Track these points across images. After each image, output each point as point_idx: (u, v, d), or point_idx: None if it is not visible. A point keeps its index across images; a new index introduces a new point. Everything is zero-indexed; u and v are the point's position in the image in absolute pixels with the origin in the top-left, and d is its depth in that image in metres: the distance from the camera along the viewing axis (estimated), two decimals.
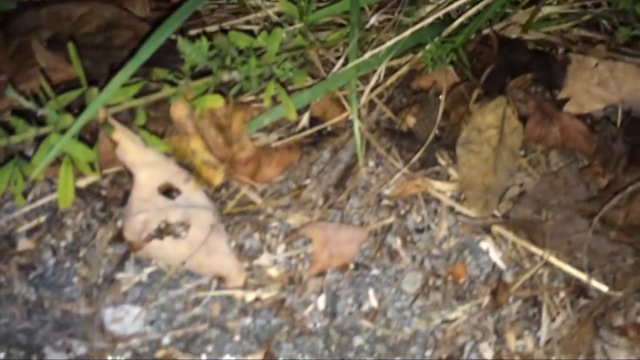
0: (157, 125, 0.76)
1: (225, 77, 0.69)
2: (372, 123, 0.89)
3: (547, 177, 0.82)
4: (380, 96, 0.92)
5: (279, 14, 0.99)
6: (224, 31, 0.95)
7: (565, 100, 0.91)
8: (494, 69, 0.94)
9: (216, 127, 0.77)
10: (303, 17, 0.89)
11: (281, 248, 0.75)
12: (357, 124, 0.81)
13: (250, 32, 0.97)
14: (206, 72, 0.75)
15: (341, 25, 1.03)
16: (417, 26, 0.83)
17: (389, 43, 0.82)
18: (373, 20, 0.84)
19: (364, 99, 0.85)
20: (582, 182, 0.81)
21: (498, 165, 0.82)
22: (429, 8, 1.02)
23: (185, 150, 0.75)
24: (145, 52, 0.63)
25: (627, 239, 0.75)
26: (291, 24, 0.95)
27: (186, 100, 0.72)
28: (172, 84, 0.71)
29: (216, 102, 0.69)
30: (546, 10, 1.01)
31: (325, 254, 0.72)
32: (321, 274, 0.73)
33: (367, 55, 0.82)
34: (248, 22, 1.00)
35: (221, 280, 0.70)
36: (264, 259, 0.73)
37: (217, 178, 0.75)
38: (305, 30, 0.91)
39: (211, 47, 0.69)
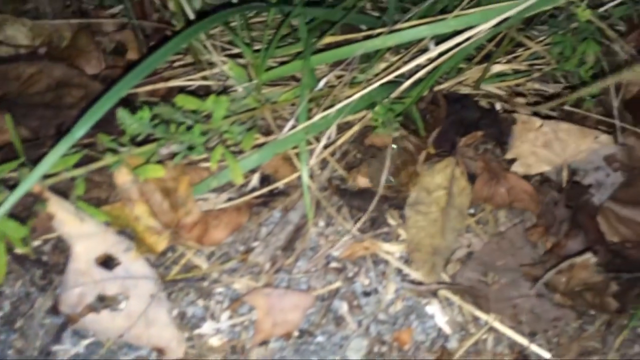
0: (100, 191, 0.75)
1: (165, 150, 0.68)
2: (324, 181, 0.90)
3: (494, 238, 0.83)
4: (332, 153, 0.93)
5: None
6: (181, 90, 0.96)
7: (513, 160, 0.92)
8: (445, 126, 0.96)
9: (162, 192, 0.77)
10: (257, 76, 0.90)
11: (225, 315, 0.74)
12: (306, 186, 0.81)
13: (207, 88, 0.98)
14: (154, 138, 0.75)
15: (299, 80, 1.05)
16: (367, 90, 0.84)
17: (338, 106, 0.83)
18: (322, 83, 0.85)
19: (313, 160, 0.86)
20: (528, 244, 0.82)
21: (446, 226, 0.83)
22: (383, 65, 1.04)
23: (128, 216, 0.74)
24: (85, 124, 0.62)
25: (570, 303, 0.76)
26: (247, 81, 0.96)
27: (129, 167, 0.71)
28: (115, 151, 0.71)
29: (157, 172, 0.69)
30: (497, 68, 1.04)
31: (269, 322, 0.71)
32: (264, 342, 0.72)
33: (316, 117, 0.83)
34: (205, 78, 1.01)
35: (160, 352, 0.69)
36: (207, 327, 0.72)
37: (161, 244, 0.74)
38: (258, 89, 0.92)
39: (154, 116, 0.69)
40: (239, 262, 0.79)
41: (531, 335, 0.75)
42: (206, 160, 0.86)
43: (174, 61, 1.04)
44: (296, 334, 0.74)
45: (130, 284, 0.69)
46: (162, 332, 0.69)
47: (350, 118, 0.94)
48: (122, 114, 0.67)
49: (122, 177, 0.72)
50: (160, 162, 0.78)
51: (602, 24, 0.88)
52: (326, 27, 1.04)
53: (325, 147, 0.90)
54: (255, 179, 0.86)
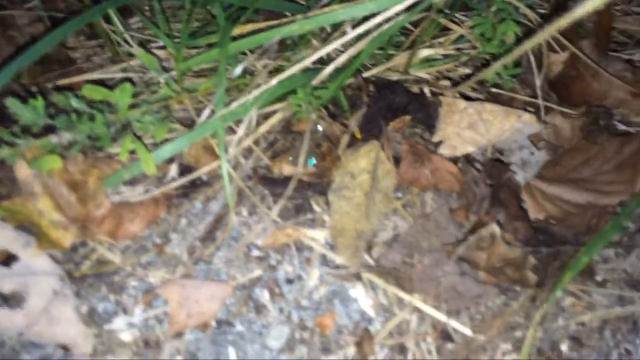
0: (1, 186, 0.72)
1: (66, 141, 0.65)
2: (248, 171, 0.87)
3: (419, 220, 0.82)
4: (257, 142, 0.91)
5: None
6: (95, 82, 0.93)
7: (440, 143, 0.92)
8: (372, 112, 0.95)
9: (68, 185, 0.74)
10: (176, 65, 0.87)
11: (139, 310, 0.71)
12: (226, 174, 0.79)
13: (128, 80, 0.95)
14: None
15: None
16: (284, 75, 0.82)
17: (255, 92, 0.81)
18: (238, 70, 0.83)
19: (233, 148, 0.84)
20: (453, 224, 0.81)
21: (371, 210, 0.82)
22: (309, 52, 1.03)
23: (31, 211, 0.71)
24: None
25: (492, 280, 0.75)
26: (168, 71, 0.94)
27: (28, 160, 0.68)
28: (12, 144, 0.68)
29: (54, 162, 0.66)
30: (424, 52, 1.03)
31: (183, 314, 0.69)
32: (179, 334, 0.69)
33: (234, 104, 0.81)
34: (124, 70, 0.98)
35: (65, 349, 0.65)
36: (118, 322, 0.69)
37: (68, 239, 0.71)
38: (179, 79, 0.90)
39: (51, 104, 0.66)
40: (155, 254, 0.76)
41: (454, 313, 0.73)
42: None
43: (91, 55, 1.01)
44: (214, 324, 0.71)
45: (31, 281, 0.65)
46: (67, 329, 0.65)
47: (276, 107, 0.92)
48: (13, 103, 0.64)
49: (23, 170, 0.69)
50: (63, 155, 0.75)
51: (520, 4, 0.88)
52: (249, 15, 1.03)
53: (247, 134, 0.88)
54: (173, 170, 0.83)
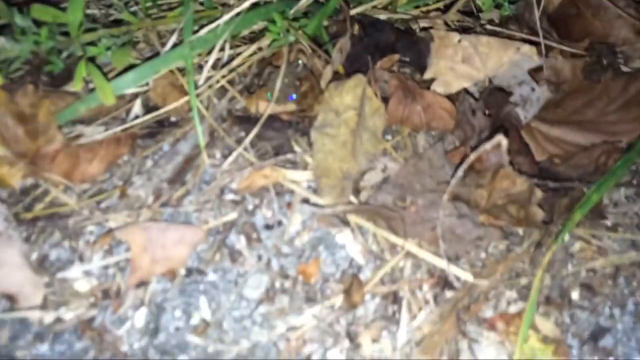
0: None
1: (5, 51, 0.56)
2: (221, 110, 0.79)
3: (411, 160, 0.74)
4: (231, 81, 0.82)
5: None
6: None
7: (432, 81, 0.84)
8: (358, 50, 0.86)
9: (15, 117, 0.64)
10: None
11: (97, 257, 0.62)
12: (196, 108, 0.70)
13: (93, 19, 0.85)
14: None
15: None
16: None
17: (226, 17, 0.72)
18: None
19: (203, 80, 0.75)
20: (449, 164, 0.74)
21: (358, 149, 0.74)
22: None
23: None
24: None
25: (494, 221, 0.68)
26: (135, 4, 0.84)
27: None
28: None
29: None
30: None
31: (147, 259, 0.60)
32: (143, 283, 0.61)
33: (203, 31, 0.72)
34: (87, 6, 0.88)
35: (11, 299, 0.57)
36: (73, 270, 0.61)
37: (15, 176, 0.62)
38: (144, 9, 0.80)
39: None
40: (117, 198, 0.68)
41: (453, 259, 0.66)
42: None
43: None
44: (183, 272, 0.63)
45: None
46: (13, 276, 0.57)
47: (252, 49, 0.83)
48: None
49: None
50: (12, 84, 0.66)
51: None
52: None
53: (220, 68, 0.79)
54: (137, 106, 0.74)
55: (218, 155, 0.74)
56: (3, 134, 0.63)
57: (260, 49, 0.84)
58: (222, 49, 0.76)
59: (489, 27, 0.92)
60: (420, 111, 0.78)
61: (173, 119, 0.78)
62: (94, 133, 0.72)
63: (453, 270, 0.64)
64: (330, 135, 0.74)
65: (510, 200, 0.66)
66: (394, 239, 0.67)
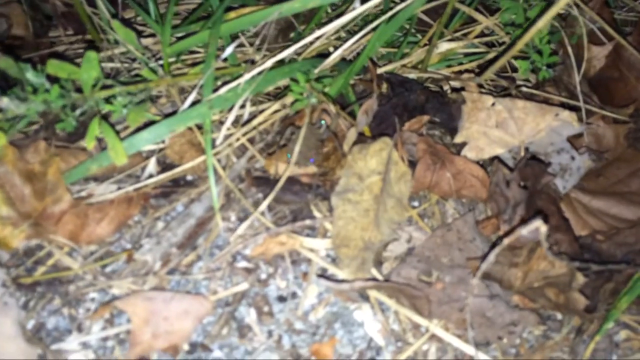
0: None
1: (13, 110, 0.53)
2: (239, 170, 0.75)
3: (439, 231, 0.69)
4: (252, 141, 0.79)
5: (144, 47, 0.86)
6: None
7: (463, 145, 0.79)
8: (385, 110, 0.83)
9: (23, 176, 0.62)
10: (163, 49, 0.76)
11: (97, 327, 0.58)
12: (212, 168, 0.67)
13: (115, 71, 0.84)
14: None
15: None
16: (281, 55, 0.71)
17: (247, 75, 0.70)
18: (230, 49, 0.71)
19: (221, 138, 0.72)
20: (480, 237, 0.68)
21: (381, 217, 0.69)
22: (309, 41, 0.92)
23: None
24: None
25: (529, 304, 0.61)
26: (157, 59, 0.83)
27: None
28: None
29: None
30: (444, 46, 0.92)
31: (148, 334, 0.56)
32: (142, 359, 0.56)
33: (223, 89, 0.70)
34: (110, 59, 0.87)
35: None
36: (71, 341, 0.57)
37: (16, 238, 0.59)
38: (166, 65, 0.78)
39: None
40: (124, 262, 0.64)
41: (482, 345, 0.60)
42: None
43: (72, 43, 0.90)
44: (186, 347, 0.58)
45: None
46: (4, 347, 0.53)
47: (275, 108, 0.80)
48: None
49: None
50: (25, 139, 0.64)
51: None
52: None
53: (240, 125, 0.76)
54: (151, 165, 0.71)
55: (233, 218, 0.71)
56: (9, 193, 0.60)
57: (284, 106, 0.81)
58: (242, 107, 0.74)
59: (524, 89, 0.87)
60: (449, 178, 0.73)
61: (189, 177, 0.75)
62: (106, 192, 0.69)
63: (483, 358, 0.58)
64: (353, 202, 0.69)
65: (548, 283, 0.59)
66: (417, 319, 0.62)
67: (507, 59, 0.75)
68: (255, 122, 0.77)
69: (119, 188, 0.70)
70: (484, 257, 0.64)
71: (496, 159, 0.72)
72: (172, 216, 0.70)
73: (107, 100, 0.65)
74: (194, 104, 0.71)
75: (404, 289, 0.61)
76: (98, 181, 0.70)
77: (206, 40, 0.76)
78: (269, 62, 0.69)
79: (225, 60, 0.82)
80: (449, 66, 0.94)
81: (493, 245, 0.64)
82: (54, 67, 0.63)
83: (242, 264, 0.66)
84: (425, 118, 0.83)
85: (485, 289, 0.63)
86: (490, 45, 0.95)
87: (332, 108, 0.75)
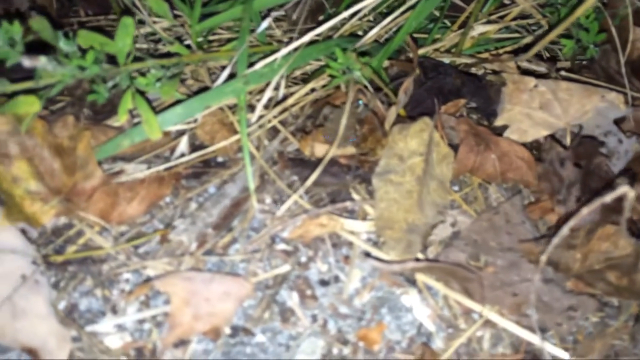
0: None
1: (26, 62, 0.49)
2: (272, 152, 0.72)
3: (485, 214, 0.66)
4: (284, 122, 0.76)
5: (168, 30, 0.83)
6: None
7: (504, 128, 0.76)
8: (420, 93, 0.79)
9: (53, 150, 0.59)
10: (191, 25, 0.73)
11: (132, 309, 0.55)
12: (247, 149, 0.64)
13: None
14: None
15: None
16: (322, 28, 0.68)
17: (284, 50, 0.67)
18: (265, 24, 0.68)
19: (255, 118, 0.68)
20: (528, 220, 0.65)
21: (424, 199, 0.66)
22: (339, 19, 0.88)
23: (3, 176, 0.55)
24: None
25: (588, 289, 0.58)
26: (182, 41, 0.80)
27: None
28: None
29: (31, 105, 0.51)
30: (478, 29, 0.89)
31: (188, 315, 0.52)
32: (182, 342, 0.53)
33: (258, 65, 0.66)
34: (134, 40, 0.84)
35: (32, 353, 0.49)
36: (105, 323, 0.53)
37: (46, 214, 0.56)
38: (195, 42, 0.75)
39: (28, 32, 0.52)
40: (157, 243, 0.60)
41: (540, 331, 0.56)
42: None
43: (94, 23, 0.87)
44: (227, 331, 0.54)
45: None
46: (37, 327, 0.49)
47: (308, 88, 0.77)
48: None
49: None
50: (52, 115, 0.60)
51: None
52: None
53: (269, 106, 0.73)
54: (183, 144, 0.68)
55: (268, 200, 0.67)
56: (38, 167, 0.57)
57: (313, 89, 0.78)
58: (275, 88, 0.70)
59: (563, 73, 0.85)
60: (494, 160, 0.70)
61: (220, 159, 0.71)
62: (136, 171, 0.65)
63: (545, 347, 0.54)
64: (395, 183, 0.66)
65: (609, 266, 0.56)
66: (469, 303, 0.58)
67: (552, 37, 0.72)
68: (287, 102, 0.73)
69: (149, 167, 0.66)
70: (537, 240, 0.61)
71: (550, 137, 0.69)
72: (205, 197, 0.66)
73: (139, 74, 0.62)
74: (226, 81, 0.68)
75: (456, 271, 0.58)
76: (126, 160, 0.67)
77: (237, 16, 0.73)
78: (306, 37, 0.66)
79: (255, 40, 0.79)
80: (482, 51, 0.91)
81: (550, 228, 0.60)
82: (84, 38, 0.60)
83: (281, 246, 0.62)
84: (462, 101, 0.80)
85: (539, 272, 0.59)
86: (525, 29, 0.92)
87: (370, 86, 0.72)
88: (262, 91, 0.73)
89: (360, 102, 0.73)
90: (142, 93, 0.62)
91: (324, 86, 0.77)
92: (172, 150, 0.69)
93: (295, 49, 0.68)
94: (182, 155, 0.68)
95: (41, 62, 0.48)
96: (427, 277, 0.60)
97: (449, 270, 0.58)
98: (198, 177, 0.69)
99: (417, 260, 0.59)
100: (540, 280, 0.59)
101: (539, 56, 0.89)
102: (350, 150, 0.71)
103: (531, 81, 0.76)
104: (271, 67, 0.67)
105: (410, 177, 0.67)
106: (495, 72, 0.82)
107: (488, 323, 0.57)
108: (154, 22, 0.83)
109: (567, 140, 0.73)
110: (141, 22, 0.85)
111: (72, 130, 0.61)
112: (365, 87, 0.71)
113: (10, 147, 0.56)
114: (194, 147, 0.71)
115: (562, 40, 0.77)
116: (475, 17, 0.82)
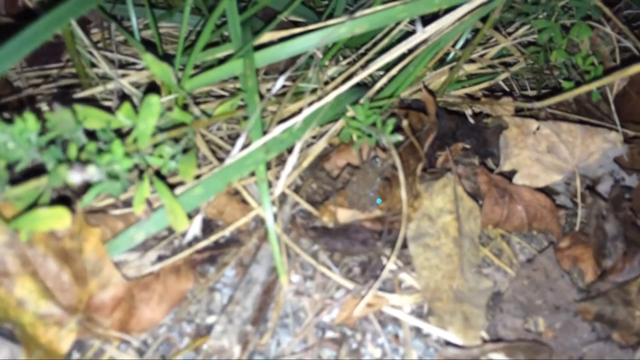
0: None
1: (75, 177, 0.40)
2: (286, 221, 0.65)
3: (523, 271, 0.63)
4: (291, 185, 0.69)
5: (136, 85, 0.73)
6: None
7: (512, 173, 0.74)
8: (435, 138, 0.76)
9: (57, 257, 0.48)
10: (182, 83, 0.64)
11: None
12: (272, 228, 0.56)
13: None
14: (38, 170, 0.46)
15: (220, 97, 0.80)
16: (342, 89, 0.62)
17: (306, 112, 0.60)
18: (278, 84, 0.61)
19: (279, 189, 0.61)
20: (565, 273, 0.63)
21: (463, 261, 0.62)
22: (331, 71, 0.83)
23: (7, 302, 0.44)
24: None
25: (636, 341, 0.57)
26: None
27: (3, 220, 0.42)
28: None
29: (60, 219, 0.41)
30: (465, 69, 0.87)
31: None
32: None
33: (276, 131, 0.59)
34: (92, 99, 0.73)
35: None
36: None
37: (65, 341, 0.45)
38: (180, 102, 0.66)
39: (42, 132, 0.41)
40: (192, 350, 0.51)
41: None
42: (116, 206, 0.58)
43: (39, 84, 0.75)
44: None
45: None
46: None
47: (323, 146, 0.71)
48: None
49: None
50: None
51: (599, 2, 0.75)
52: (258, 26, 0.82)
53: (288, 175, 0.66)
54: (196, 226, 0.59)
55: (295, 279, 0.60)
56: (44, 282, 0.46)
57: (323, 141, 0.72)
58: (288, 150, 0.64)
59: (549, 110, 0.85)
60: (521, 211, 0.68)
61: (227, 233, 0.63)
62: (145, 264, 0.56)
63: None
64: (432, 247, 0.62)
65: None
66: None
67: (579, 92, 0.70)
68: (302, 165, 0.67)
69: (159, 258, 0.57)
70: (586, 298, 0.60)
71: (591, 189, 0.68)
72: (226, 283, 0.58)
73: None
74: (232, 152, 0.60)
75: (530, 347, 0.55)
76: (132, 251, 0.57)
77: (234, 71, 0.65)
78: (332, 96, 0.60)
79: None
80: (459, 88, 0.89)
81: (589, 282, 0.59)
82: (85, 112, 0.50)
83: (328, 333, 0.56)
84: (461, 145, 0.78)
85: (593, 331, 0.58)
86: (503, 65, 0.92)
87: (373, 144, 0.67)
88: (289, 152, 0.66)
89: (377, 159, 0.68)
90: (157, 174, 0.52)
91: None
92: (181, 233, 0.60)
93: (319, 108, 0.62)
94: (196, 239, 0.59)
95: (89, 172, 0.38)
96: (499, 355, 0.56)
97: (522, 347, 0.55)
98: (213, 260, 0.60)
99: (494, 340, 0.55)
100: (597, 340, 0.57)
101: (507, 92, 0.89)
102: (375, 213, 0.66)
103: (533, 124, 0.75)
104: (291, 131, 0.60)
105: (446, 238, 0.63)
106: (488, 116, 0.80)
107: None
108: (122, 77, 0.73)
109: (577, 184, 0.73)
110: (103, 78, 0.74)
111: (72, 228, 0.50)
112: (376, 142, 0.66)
113: (9, 262, 0.44)
114: (203, 225, 0.62)
115: (563, 82, 0.77)
116: (466, 58, 0.80)
